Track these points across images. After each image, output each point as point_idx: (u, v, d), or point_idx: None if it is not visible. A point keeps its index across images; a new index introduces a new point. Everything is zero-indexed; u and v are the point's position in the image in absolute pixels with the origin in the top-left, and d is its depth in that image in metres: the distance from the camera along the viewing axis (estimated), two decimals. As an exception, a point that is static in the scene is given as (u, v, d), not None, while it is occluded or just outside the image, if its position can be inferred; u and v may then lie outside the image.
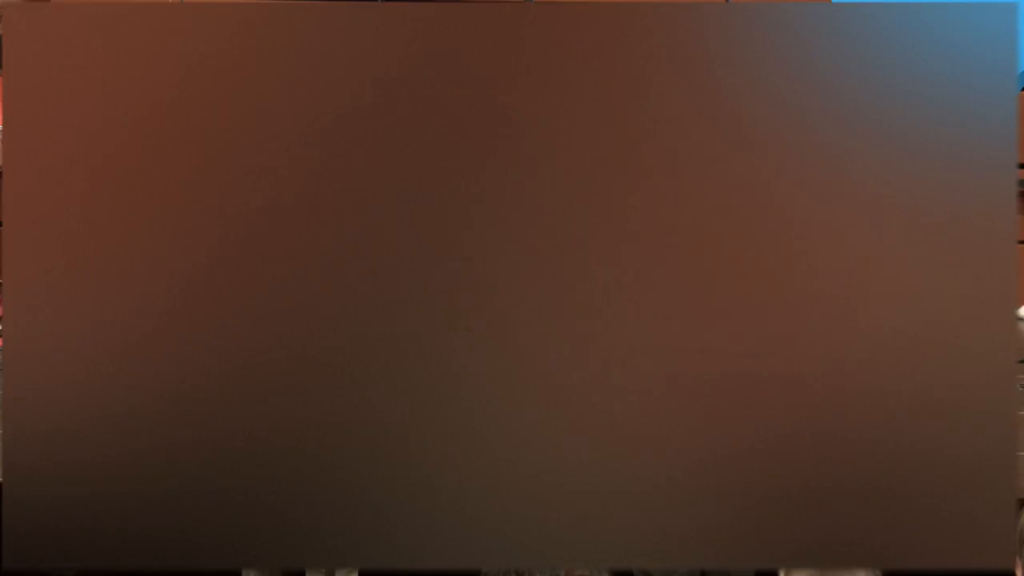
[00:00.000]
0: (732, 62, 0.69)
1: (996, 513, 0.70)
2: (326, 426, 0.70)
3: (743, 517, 0.70)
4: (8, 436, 0.69)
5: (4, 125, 0.68)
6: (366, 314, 0.69)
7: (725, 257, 0.69)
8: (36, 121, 0.69)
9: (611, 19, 0.68)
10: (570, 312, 0.69)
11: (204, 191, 0.69)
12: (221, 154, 0.69)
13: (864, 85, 0.69)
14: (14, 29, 0.68)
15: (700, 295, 0.69)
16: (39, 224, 0.69)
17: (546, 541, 0.70)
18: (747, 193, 0.69)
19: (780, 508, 0.70)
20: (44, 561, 0.70)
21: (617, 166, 0.69)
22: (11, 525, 0.70)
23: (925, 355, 0.70)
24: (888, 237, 0.69)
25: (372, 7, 0.69)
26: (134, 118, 0.69)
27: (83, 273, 0.69)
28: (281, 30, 0.68)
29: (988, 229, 0.69)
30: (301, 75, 0.69)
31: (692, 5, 0.68)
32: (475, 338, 0.69)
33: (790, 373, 0.70)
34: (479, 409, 0.70)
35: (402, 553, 0.70)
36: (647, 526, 0.70)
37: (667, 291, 0.69)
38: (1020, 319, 0.76)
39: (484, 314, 0.69)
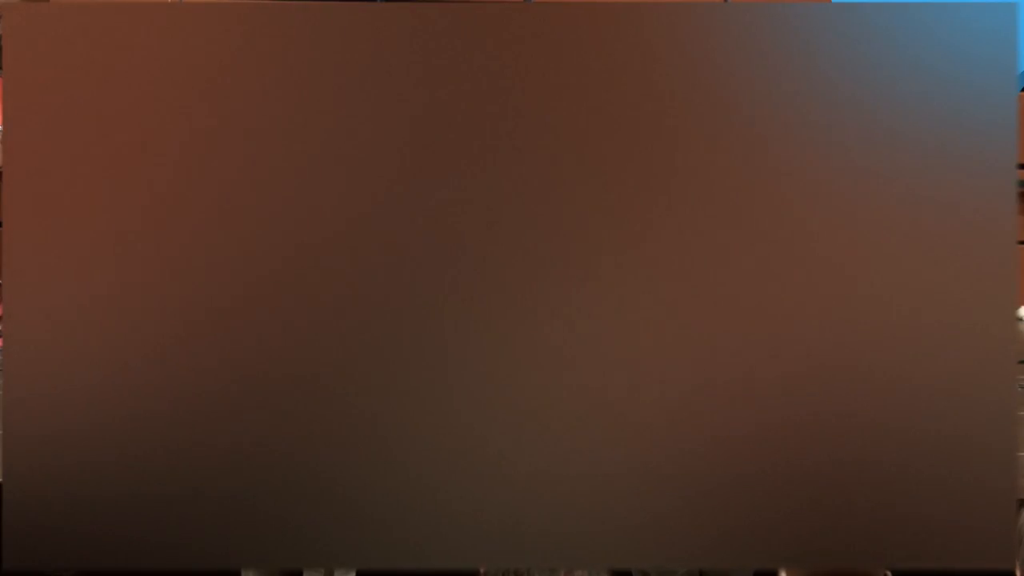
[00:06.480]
0: (732, 62, 0.69)
1: (996, 513, 0.70)
2: (324, 426, 0.70)
3: (743, 517, 0.70)
4: (8, 436, 0.69)
5: (4, 125, 0.68)
6: (363, 315, 0.69)
7: (723, 257, 0.69)
8: (36, 121, 0.69)
9: (611, 19, 0.68)
10: (568, 311, 0.69)
11: (203, 191, 0.69)
12: (221, 154, 0.69)
13: (864, 85, 0.69)
14: (14, 29, 0.68)
15: (698, 297, 0.69)
16: (39, 224, 0.69)
17: (545, 541, 0.70)
18: (745, 193, 0.69)
19: (780, 508, 0.70)
20: (44, 561, 0.70)
21: (617, 165, 0.69)
22: (11, 525, 0.70)
23: (925, 355, 0.70)
24: (888, 237, 0.69)
25: (372, 7, 0.69)
26: (134, 118, 0.69)
27: (83, 273, 0.69)
28: (281, 30, 0.68)
29: (988, 229, 0.69)
30: (301, 75, 0.69)
31: (692, 5, 0.68)
32: (472, 339, 0.69)
33: (789, 375, 0.70)
34: (477, 409, 0.70)
35: (401, 553, 0.70)
36: (646, 526, 0.70)
37: (666, 290, 0.69)
38: (1020, 319, 0.76)
39: (481, 314, 0.69)
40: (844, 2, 0.71)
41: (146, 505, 0.70)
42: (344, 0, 0.71)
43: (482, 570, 0.94)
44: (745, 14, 0.68)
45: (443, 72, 0.68)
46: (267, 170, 0.69)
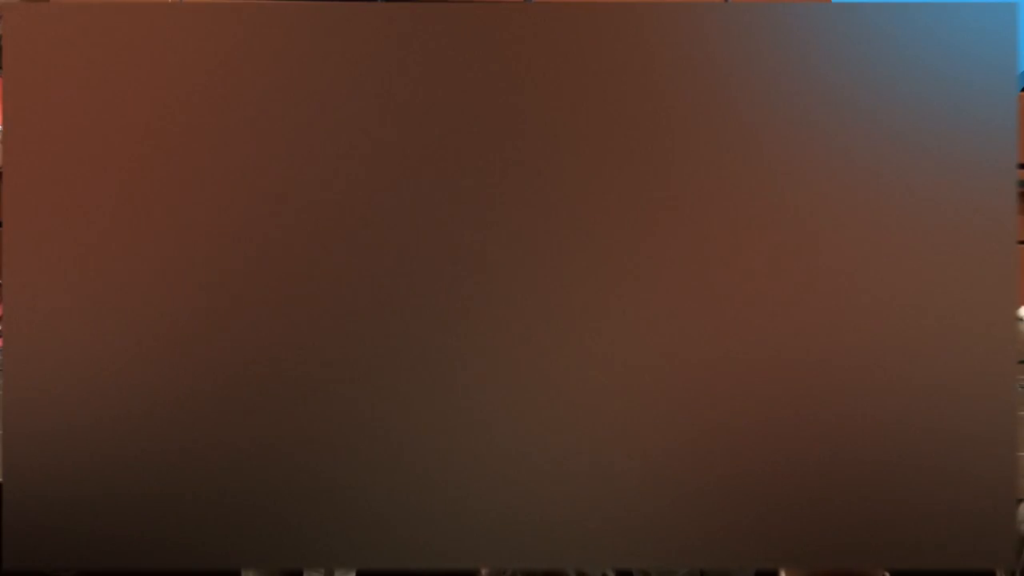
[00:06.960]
0: (732, 62, 0.69)
1: (996, 513, 0.70)
2: (325, 427, 0.70)
3: (743, 517, 0.70)
4: (8, 436, 0.69)
5: (4, 125, 0.69)
6: (365, 316, 0.69)
7: (724, 258, 0.69)
8: (36, 121, 0.69)
9: (611, 19, 0.68)
10: (570, 313, 0.69)
11: (203, 191, 0.69)
12: (221, 154, 0.69)
13: (864, 85, 0.69)
14: (14, 29, 0.68)
15: (698, 296, 0.69)
16: (39, 224, 0.69)
17: (546, 541, 0.70)
18: (745, 193, 0.69)
19: (780, 508, 0.70)
20: (44, 561, 0.70)
21: (617, 164, 0.69)
22: (11, 525, 0.70)
23: (925, 355, 0.70)
24: (888, 237, 0.69)
25: (372, 7, 0.69)
26: (134, 118, 0.69)
27: (83, 273, 0.69)
28: (281, 30, 0.68)
29: (988, 229, 0.69)
30: (301, 75, 0.69)
31: (692, 5, 0.68)
32: (471, 340, 0.69)
33: (789, 375, 0.70)
34: (477, 410, 0.70)
35: (401, 553, 0.70)
36: (646, 526, 0.70)
37: (666, 290, 0.69)
38: (1020, 319, 0.76)
39: (482, 315, 0.69)
40: (844, 2, 0.71)
41: (146, 505, 0.70)
42: (344, 0, 0.71)
43: (484, 572, 0.94)
44: (745, 14, 0.68)
45: (443, 72, 0.68)
46: (267, 170, 0.69)
